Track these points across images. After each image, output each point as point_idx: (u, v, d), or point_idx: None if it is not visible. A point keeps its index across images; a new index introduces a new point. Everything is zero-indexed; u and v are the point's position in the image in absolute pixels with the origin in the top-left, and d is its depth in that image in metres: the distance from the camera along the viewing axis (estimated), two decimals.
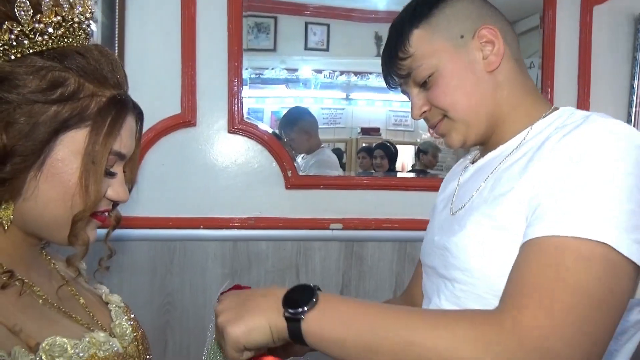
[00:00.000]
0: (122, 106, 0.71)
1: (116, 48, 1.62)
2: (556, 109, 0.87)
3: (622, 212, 0.65)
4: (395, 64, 0.90)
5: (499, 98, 0.87)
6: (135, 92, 1.60)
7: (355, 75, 2.23)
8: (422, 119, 0.94)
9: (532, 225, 0.69)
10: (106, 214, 0.78)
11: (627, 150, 0.69)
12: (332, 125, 2.26)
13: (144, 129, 1.62)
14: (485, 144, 0.94)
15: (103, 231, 0.84)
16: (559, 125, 0.81)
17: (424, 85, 0.89)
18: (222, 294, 0.85)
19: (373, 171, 2.20)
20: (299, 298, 0.69)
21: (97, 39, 1.64)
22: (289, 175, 1.79)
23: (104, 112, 0.69)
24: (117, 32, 1.63)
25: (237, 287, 0.87)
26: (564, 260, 0.64)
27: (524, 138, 0.85)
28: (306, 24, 2.13)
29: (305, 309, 0.67)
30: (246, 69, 1.85)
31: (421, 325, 0.64)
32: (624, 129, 0.72)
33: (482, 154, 0.95)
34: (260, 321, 0.70)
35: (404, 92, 0.95)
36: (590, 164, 0.69)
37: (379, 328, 0.65)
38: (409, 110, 0.94)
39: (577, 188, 0.68)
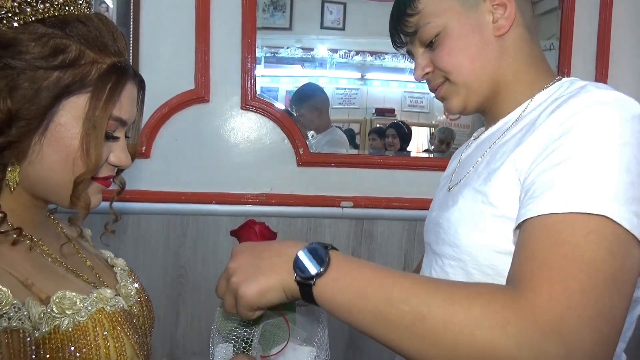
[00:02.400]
0: (122, 73, 0.73)
1: (131, 24, 1.65)
2: (559, 79, 0.85)
3: (621, 184, 0.63)
4: (402, 20, 0.88)
5: (504, 65, 0.85)
6: (150, 68, 1.68)
7: (371, 55, 2.23)
8: (425, 82, 0.92)
9: (530, 203, 0.67)
10: (111, 180, 0.81)
11: (623, 120, 0.67)
12: (346, 106, 2.26)
13: (158, 104, 1.70)
14: (486, 115, 0.93)
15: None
16: (557, 96, 0.79)
17: (430, 45, 0.87)
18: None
19: (385, 150, 2.20)
20: (311, 262, 0.67)
21: (112, 15, 1.67)
22: (301, 152, 1.81)
23: (104, 79, 0.71)
24: (132, 9, 1.65)
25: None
26: (574, 237, 0.61)
27: (524, 111, 0.84)
28: (322, 2, 2.12)
29: (317, 273, 0.66)
30: (261, 47, 1.86)
31: (438, 299, 0.61)
32: (620, 99, 0.70)
33: (486, 129, 0.94)
34: (273, 282, 0.69)
35: (409, 52, 0.93)
36: (585, 136, 0.67)
37: (393, 299, 0.63)
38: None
39: (573, 162, 0.66)
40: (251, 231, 0.84)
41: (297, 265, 0.68)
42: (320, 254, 0.68)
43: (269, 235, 0.85)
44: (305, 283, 0.67)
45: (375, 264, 0.69)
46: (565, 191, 0.64)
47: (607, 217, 0.61)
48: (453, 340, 0.59)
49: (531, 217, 0.66)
